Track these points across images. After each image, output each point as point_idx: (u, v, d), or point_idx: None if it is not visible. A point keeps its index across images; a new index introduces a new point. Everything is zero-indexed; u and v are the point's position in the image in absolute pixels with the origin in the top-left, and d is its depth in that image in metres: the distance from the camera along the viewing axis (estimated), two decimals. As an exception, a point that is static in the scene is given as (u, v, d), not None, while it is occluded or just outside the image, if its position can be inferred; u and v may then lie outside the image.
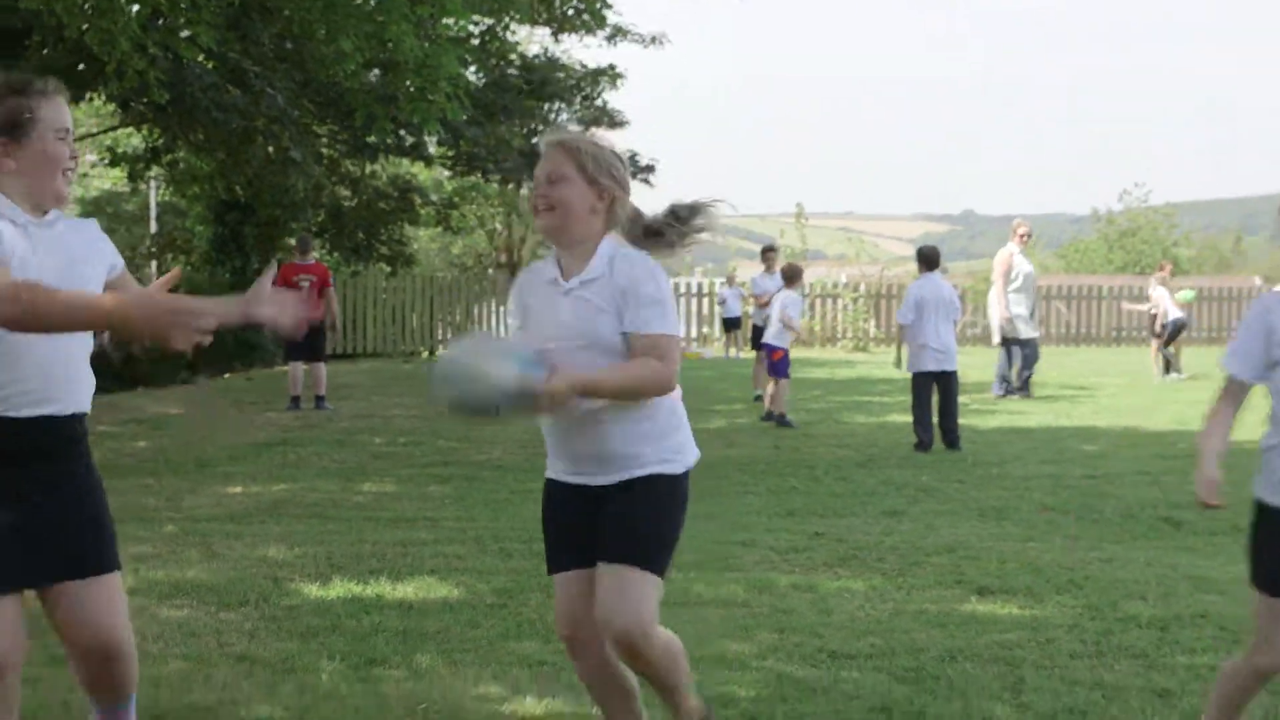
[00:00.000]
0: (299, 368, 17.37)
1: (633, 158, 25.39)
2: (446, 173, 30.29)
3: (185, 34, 14.77)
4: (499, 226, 41.85)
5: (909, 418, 13.99)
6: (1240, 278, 47.68)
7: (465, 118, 17.84)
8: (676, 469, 4.34)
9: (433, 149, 26.06)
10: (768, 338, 16.35)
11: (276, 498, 10.41)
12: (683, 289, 36.07)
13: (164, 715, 5.01)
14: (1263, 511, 4.33)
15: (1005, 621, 6.57)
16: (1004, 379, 19.14)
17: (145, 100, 18.34)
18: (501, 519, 9.34)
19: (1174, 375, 23.50)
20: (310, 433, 14.74)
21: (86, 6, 12.94)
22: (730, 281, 32.32)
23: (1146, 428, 15.36)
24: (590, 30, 23.19)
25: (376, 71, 17.50)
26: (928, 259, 14.33)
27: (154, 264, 30.98)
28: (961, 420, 13.88)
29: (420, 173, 31.90)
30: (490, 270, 40.05)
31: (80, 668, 4.08)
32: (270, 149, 22.20)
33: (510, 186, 30.58)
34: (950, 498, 10.59)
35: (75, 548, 3.92)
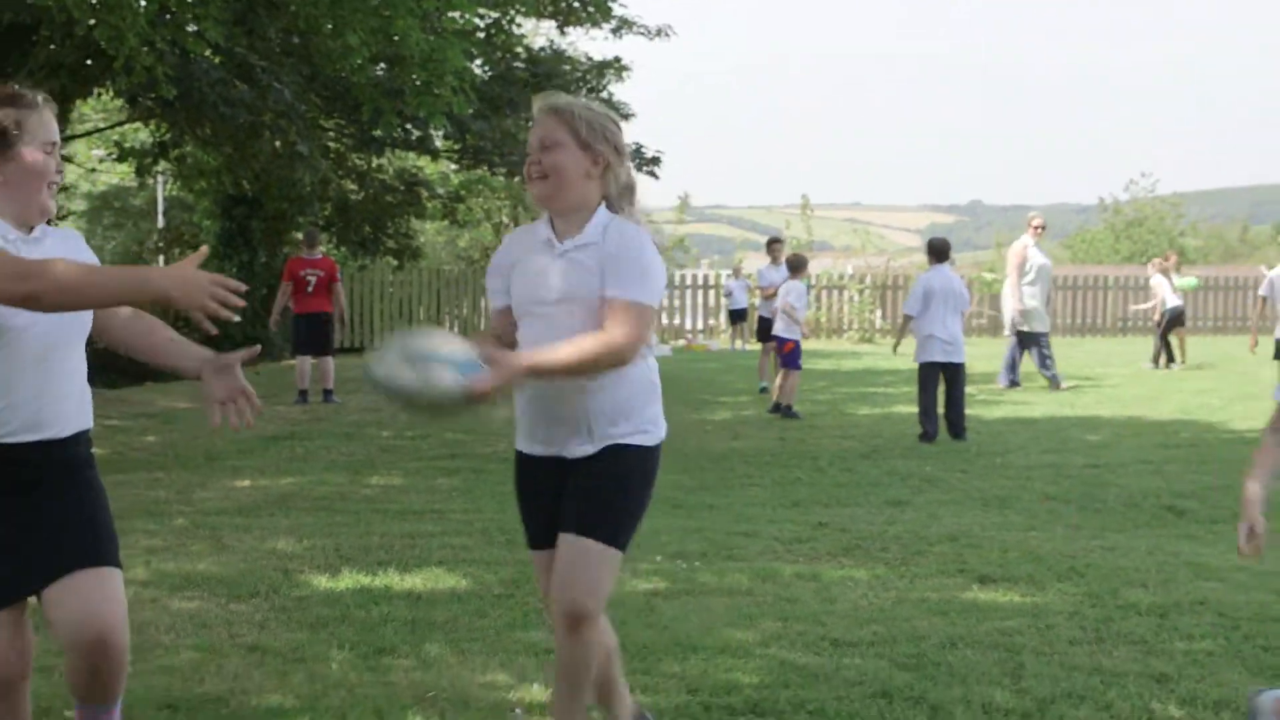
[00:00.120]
0: (307, 362, 17.46)
1: (638, 150, 25.42)
2: (453, 166, 30.29)
3: (192, 29, 14.82)
4: (505, 220, 41.87)
5: (914, 409, 14.06)
6: (1247, 267, 47.65)
7: (471, 111, 17.91)
8: (649, 441, 4.28)
9: (439, 142, 26.07)
10: (777, 330, 16.41)
11: (285, 491, 10.48)
12: (689, 281, 36.15)
13: (176, 704, 5.09)
14: None
15: (1006, 609, 6.64)
16: (1012, 370, 19.16)
17: (153, 95, 18.41)
18: (508, 511, 9.38)
19: (1176, 365, 23.55)
20: (318, 426, 14.82)
21: (95, 2, 12.99)
22: (736, 273, 32.34)
23: (1150, 417, 15.41)
24: (596, 23, 23.22)
25: (383, 66, 17.53)
26: (938, 250, 14.38)
27: (161, 259, 31.06)
28: (967, 411, 13.94)
29: (426, 166, 31.90)
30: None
31: (73, 665, 3.92)
32: (277, 143, 22.22)
33: (516, 180, 30.57)
34: (953, 487, 10.67)
35: (73, 545, 3.88)
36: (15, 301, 3.54)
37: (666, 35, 25.39)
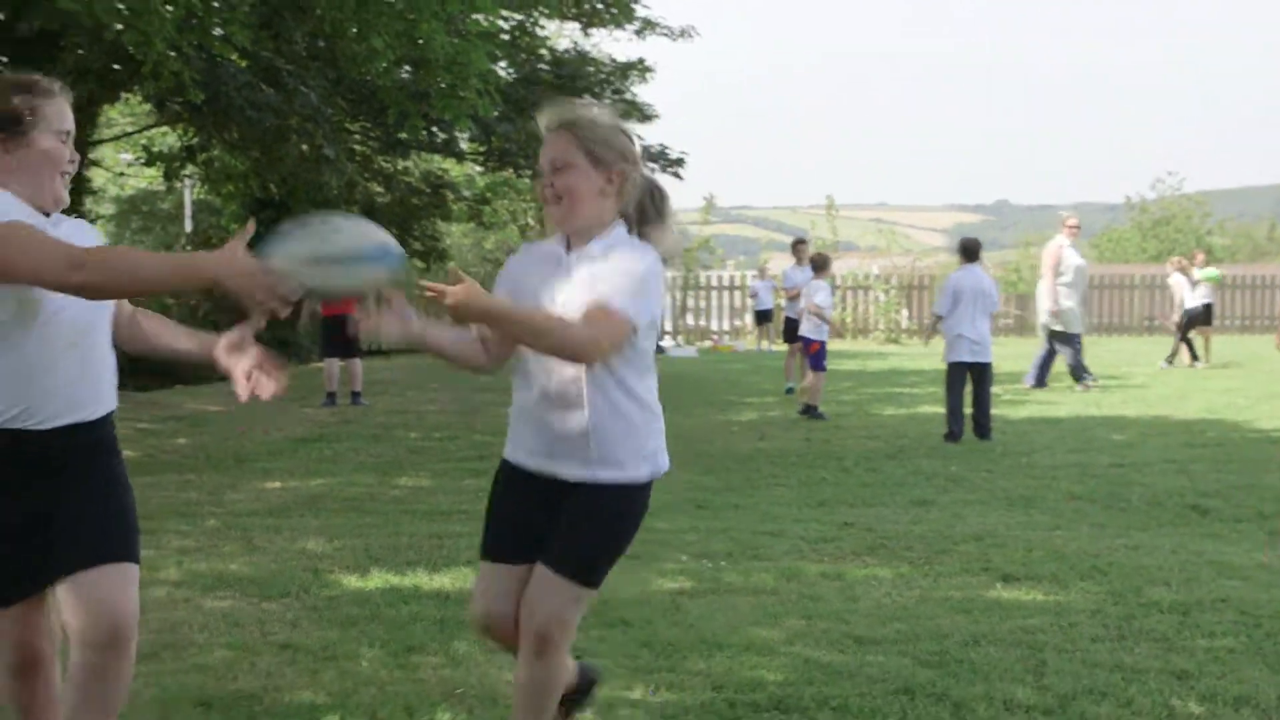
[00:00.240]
0: (335, 364, 17.55)
1: (663, 151, 25.48)
2: (478, 168, 30.41)
3: (219, 33, 14.93)
4: (531, 221, 41.98)
5: (939, 409, 14.10)
6: (1274, 265, 47.55)
7: (496, 114, 17.98)
8: (643, 475, 4.14)
9: (464, 145, 26.17)
10: (804, 330, 16.46)
11: (315, 492, 10.58)
12: (715, 282, 36.21)
13: (210, 701, 5.17)
14: None
15: (1029, 607, 6.70)
16: (1042, 370, 19.08)
17: (181, 100, 18.53)
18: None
19: (1200, 364, 23.54)
20: (347, 428, 14.91)
21: (122, 7, 13.11)
22: (762, 274, 32.40)
23: (1176, 416, 15.41)
24: (619, 24, 23.31)
25: (408, 69, 17.63)
26: (968, 250, 14.43)
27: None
28: (993, 410, 13.97)
29: (452, 169, 32.02)
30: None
31: (81, 661, 3.78)
32: (304, 147, 22.36)
33: (541, 181, 30.66)
34: (978, 487, 10.71)
35: (95, 537, 3.83)
36: (67, 290, 3.56)
37: (690, 36, 25.47)
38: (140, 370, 18.64)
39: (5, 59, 16.12)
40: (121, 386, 4.09)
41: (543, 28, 24.55)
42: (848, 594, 7.01)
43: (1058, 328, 18.88)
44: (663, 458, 4.21)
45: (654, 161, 25.34)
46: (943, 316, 14.04)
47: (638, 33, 24.41)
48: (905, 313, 35.89)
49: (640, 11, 22.95)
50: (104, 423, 3.91)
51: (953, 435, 13.51)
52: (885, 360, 26.65)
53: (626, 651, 5.88)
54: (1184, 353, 23.96)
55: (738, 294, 35.65)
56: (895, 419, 15.74)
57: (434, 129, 23.69)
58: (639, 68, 26.52)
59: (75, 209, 4.13)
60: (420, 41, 13.67)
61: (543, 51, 25.16)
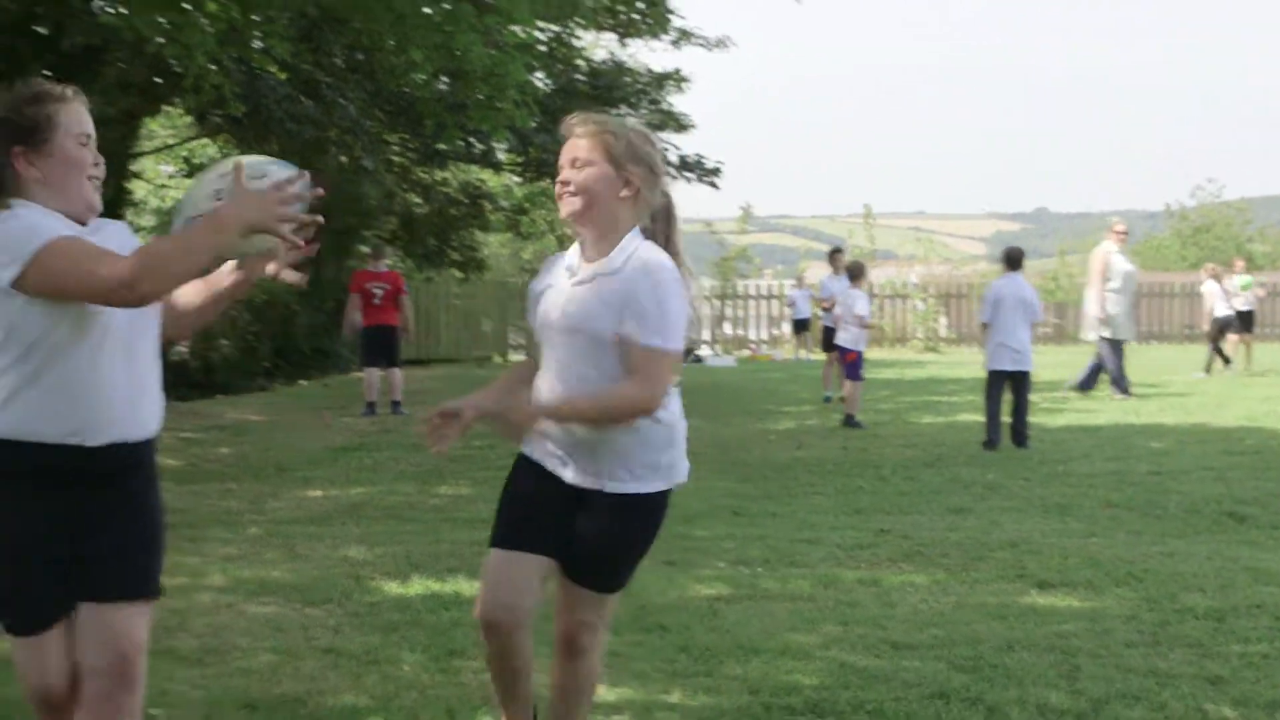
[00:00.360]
0: (375, 374, 17.65)
1: (699, 160, 25.57)
2: (516, 179, 30.57)
3: (259, 46, 15.09)
4: (569, 231, 42.12)
5: (978, 417, 14.11)
6: (1316, 272, 47.20)
7: (534, 124, 18.09)
8: (662, 485, 4.17)
9: (502, 155, 26.34)
10: (840, 340, 16.50)
11: (355, 500, 10.68)
12: (752, 291, 36.25)
13: (256, 704, 5.27)
14: None
15: (1064, 613, 6.74)
16: (1119, 380, 18.83)
17: (222, 112, 18.74)
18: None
19: (1232, 369, 23.47)
20: (387, 437, 15.01)
21: (164, 21, 13.26)
22: (800, 283, 32.42)
23: (1214, 424, 15.39)
24: (655, 34, 23.40)
25: (446, 80, 17.76)
26: (1011, 259, 14.47)
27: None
28: (1030, 418, 13.98)
29: (490, 179, 32.19)
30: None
31: (91, 687, 3.77)
32: (343, 158, 22.57)
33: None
34: (1015, 495, 10.73)
35: (121, 571, 3.80)
36: (127, 305, 3.57)
37: (726, 46, 25.57)
38: (182, 381, 18.85)
39: (49, 73, 16.33)
40: (164, 396, 4.07)
41: (579, 39, 24.69)
42: (884, 600, 7.06)
43: (1105, 334, 18.75)
44: (680, 469, 4.24)
45: (690, 171, 25.42)
46: (988, 324, 14.06)
47: (674, 43, 24.53)
48: (944, 321, 35.84)
49: (676, 22, 23.02)
50: (149, 442, 3.89)
51: (991, 443, 13.53)
52: (923, 369, 26.64)
53: (664, 656, 5.95)
54: (1217, 360, 23.87)
55: (775, 303, 35.69)
56: (933, 427, 15.76)
57: (471, 140, 23.86)
58: (675, 78, 26.63)
59: (116, 220, 4.02)
60: (458, 53, 13.77)
61: (579, 62, 25.30)
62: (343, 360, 25.36)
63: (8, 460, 3.68)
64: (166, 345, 4.13)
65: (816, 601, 7.04)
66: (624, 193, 4.09)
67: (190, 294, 4.08)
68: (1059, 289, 38.04)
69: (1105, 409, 17.24)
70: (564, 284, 4.18)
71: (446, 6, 13.52)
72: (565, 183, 4.11)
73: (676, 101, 27.42)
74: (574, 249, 4.23)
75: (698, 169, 25.55)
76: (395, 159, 26.58)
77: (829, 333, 18.60)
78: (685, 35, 24.47)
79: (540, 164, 25.84)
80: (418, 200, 29.80)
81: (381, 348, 17.61)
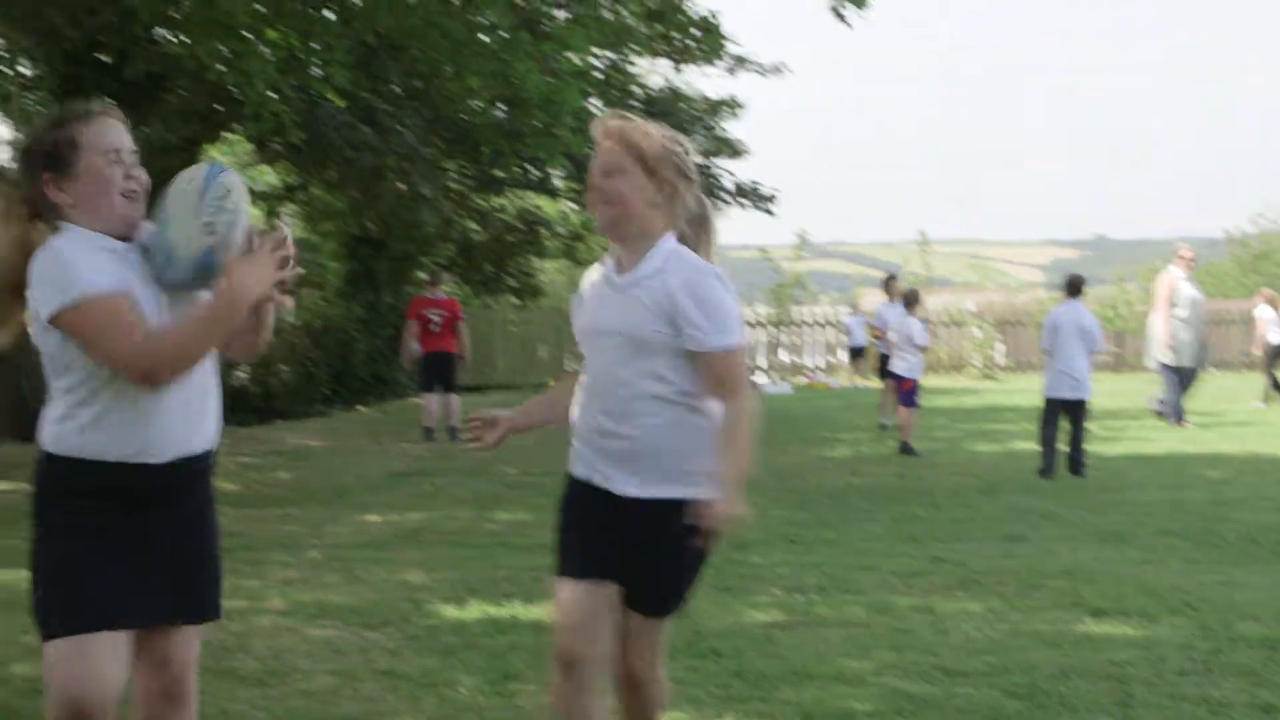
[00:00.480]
0: (433, 400, 17.78)
1: (754, 187, 25.63)
2: (572, 205, 30.72)
3: (318, 74, 15.27)
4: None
5: (1034, 445, 14.08)
6: (1378, 300, 46.69)
7: (590, 150, 18.20)
8: (702, 494, 4.01)
9: (558, 182, 26.47)
10: (896, 368, 16.50)
11: (414, 526, 10.77)
12: (808, 318, 36.23)
13: (316, 725, 5.37)
14: None
15: (1118, 641, 6.74)
16: (1177, 407, 18.70)
17: (281, 140, 18.94)
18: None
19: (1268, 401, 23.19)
20: (444, 463, 15.11)
21: (225, 50, 13.46)
22: (855, 310, 32.40)
23: (1274, 454, 15.29)
24: (709, 60, 23.49)
25: (503, 107, 17.91)
26: (1071, 286, 14.46)
27: (289, 299, 31.67)
28: (1087, 447, 13.94)
29: (546, 205, 32.34)
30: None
31: (145, 710, 3.90)
32: (401, 185, 22.74)
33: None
34: (1070, 523, 10.71)
35: (190, 588, 3.87)
36: (132, 380, 3.66)
37: (781, 73, 25.63)
38: (242, 406, 19.04)
39: (112, 101, 16.58)
40: (224, 421, 4.13)
41: (635, 65, 24.81)
42: (938, 627, 7.08)
43: (1169, 361, 18.56)
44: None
45: (745, 198, 25.46)
46: (1049, 351, 14.04)
47: (729, 70, 24.62)
48: (1001, 348, 35.68)
49: (731, 49, 23.12)
50: (209, 455, 3.93)
51: (1046, 471, 13.50)
52: (980, 396, 26.55)
53: (718, 681, 5.99)
54: (1273, 389, 23.64)
55: (831, 330, 35.66)
56: (989, 455, 15.74)
57: (528, 166, 24.01)
58: (730, 104, 26.70)
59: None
60: (515, 81, 13.90)
61: (635, 89, 25.40)
62: (400, 386, 25.52)
63: (72, 480, 3.74)
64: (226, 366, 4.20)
65: (870, 628, 7.07)
66: (656, 198, 4.06)
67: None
68: (1118, 316, 37.78)
69: (1162, 438, 17.16)
70: (603, 291, 4.19)
71: (504, 34, 13.68)
72: (598, 190, 4.10)
73: (731, 127, 27.52)
74: (609, 257, 4.22)
75: (753, 196, 25.61)
76: (453, 186, 26.73)
77: (885, 360, 18.60)
78: (741, 62, 24.57)
79: (597, 190, 25.97)
80: (475, 227, 29.95)
81: (439, 374, 17.73)
